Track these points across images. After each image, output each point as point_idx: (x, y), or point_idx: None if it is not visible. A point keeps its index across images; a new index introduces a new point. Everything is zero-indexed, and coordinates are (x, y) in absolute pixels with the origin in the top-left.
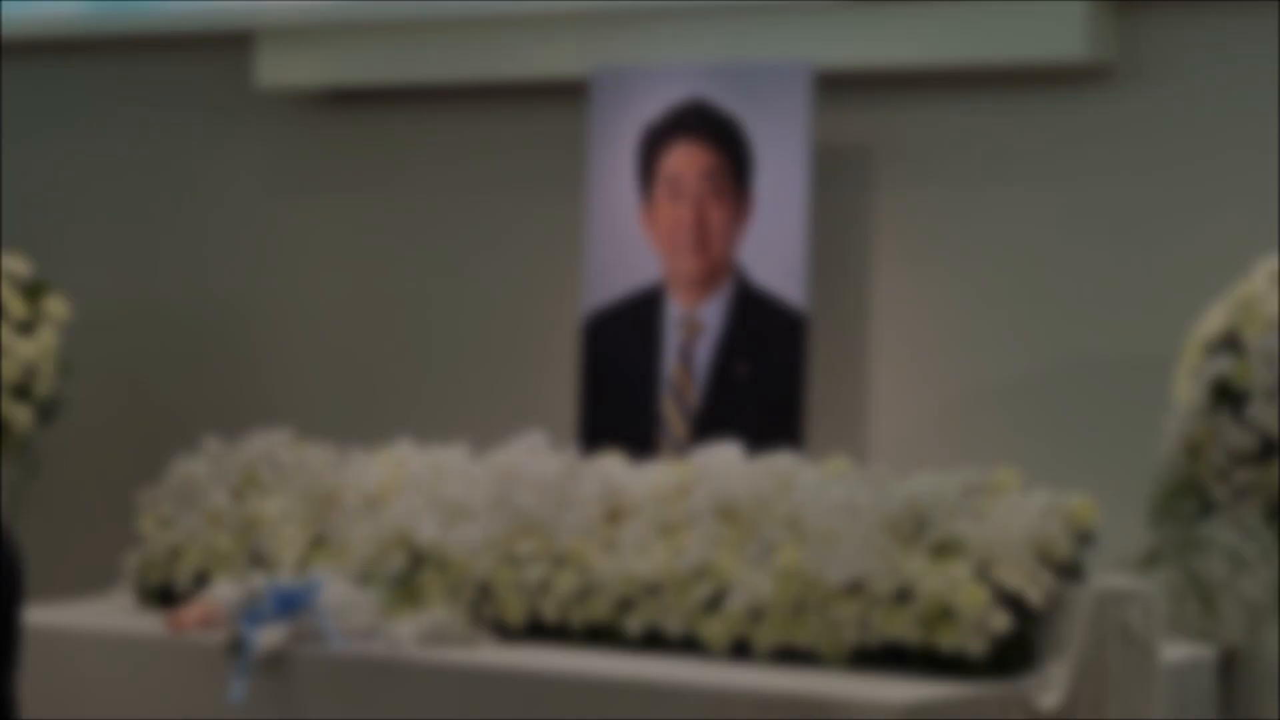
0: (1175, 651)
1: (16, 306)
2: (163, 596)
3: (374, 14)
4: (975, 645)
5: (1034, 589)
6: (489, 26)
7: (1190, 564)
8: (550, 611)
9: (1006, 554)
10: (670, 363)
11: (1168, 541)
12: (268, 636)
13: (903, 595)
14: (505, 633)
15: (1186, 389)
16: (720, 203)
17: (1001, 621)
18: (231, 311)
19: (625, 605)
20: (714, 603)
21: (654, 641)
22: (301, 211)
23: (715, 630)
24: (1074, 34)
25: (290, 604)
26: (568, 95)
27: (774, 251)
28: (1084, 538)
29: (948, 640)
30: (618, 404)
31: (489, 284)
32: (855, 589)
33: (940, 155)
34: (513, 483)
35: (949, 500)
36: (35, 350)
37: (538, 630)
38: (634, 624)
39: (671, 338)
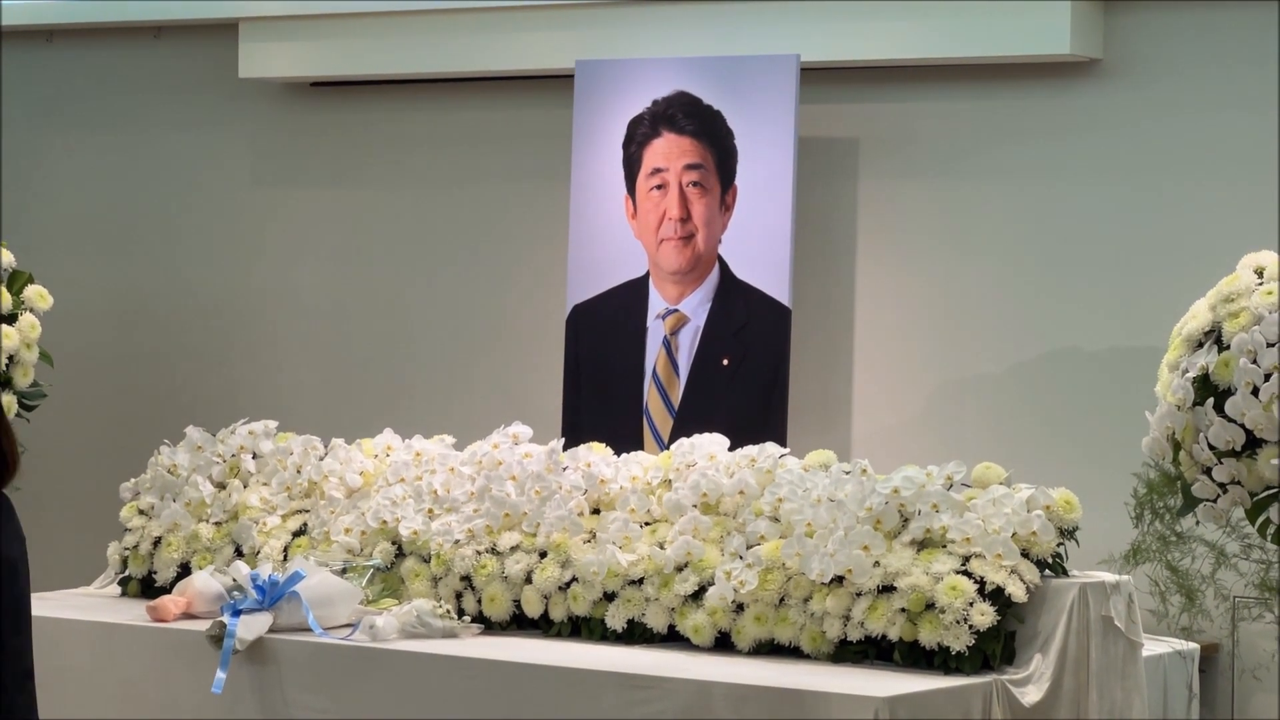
0: (1157, 645)
1: None
2: (145, 586)
3: (358, 5)
4: (958, 639)
5: (1017, 583)
6: (475, 19)
7: (1172, 558)
8: (533, 603)
9: (989, 548)
10: (654, 355)
11: (1150, 536)
12: (250, 627)
13: (885, 589)
14: (488, 624)
15: (1169, 384)
16: (704, 195)
17: (984, 615)
18: (215, 302)
19: (608, 597)
20: (696, 595)
21: (636, 634)
22: (286, 202)
23: (698, 622)
24: (1060, 30)
25: (272, 595)
26: (553, 88)
27: (758, 244)
28: (1067, 532)
29: (930, 634)
30: (602, 396)
31: (474, 276)
32: (838, 583)
33: (925, 149)
34: (496, 474)
35: (932, 494)
36: (16, 340)
37: (520, 622)
38: (617, 616)
39: (656, 330)
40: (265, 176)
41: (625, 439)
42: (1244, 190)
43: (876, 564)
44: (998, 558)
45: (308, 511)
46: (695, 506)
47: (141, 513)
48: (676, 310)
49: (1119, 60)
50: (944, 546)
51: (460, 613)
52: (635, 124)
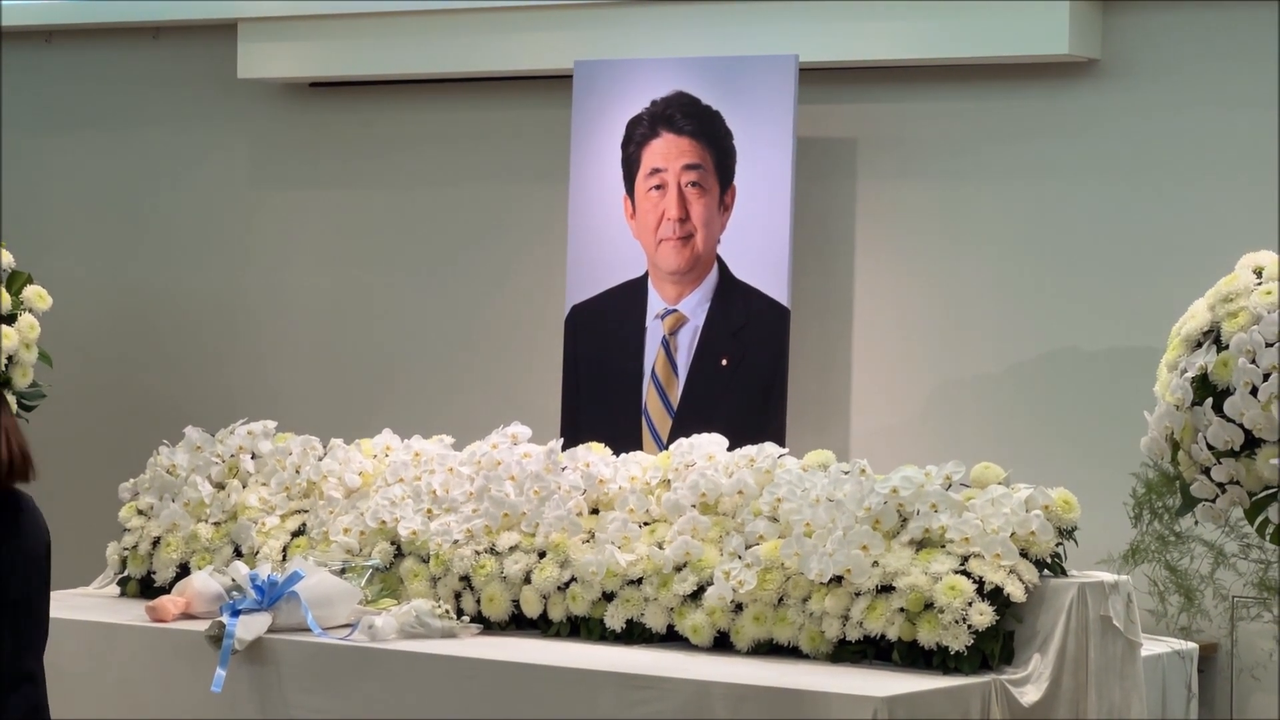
0: (1156, 645)
1: None
2: (144, 587)
3: (358, 5)
4: (956, 639)
5: (1015, 583)
6: (474, 19)
7: (1171, 558)
8: (532, 603)
9: (988, 548)
10: (653, 355)
11: (1149, 536)
12: (249, 627)
13: (884, 589)
14: (487, 624)
15: (1168, 384)
16: (703, 195)
17: (983, 615)
18: (214, 301)
19: (607, 597)
20: (695, 595)
21: (635, 634)
22: (284, 202)
23: (696, 622)
24: (1058, 30)
25: (271, 595)
26: (552, 88)
27: (757, 244)
28: (1065, 532)
29: (929, 634)
30: (601, 396)
31: (473, 276)
32: (837, 583)
33: (924, 149)
34: (495, 474)
35: (931, 494)
36: (16, 340)
37: (519, 622)
38: (615, 616)
39: (654, 330)
40: (264, 176)
41: (624, 439)
42: (1242, 190)
43: (875, 564)
44: (996, 557)
45: (306, 512)
46: (694, 506)
47: (140, 513)
48: (675, 310)
49: (1117, 60)
50: (943, 546)
51: (459, 613)
52: (634, 124)
